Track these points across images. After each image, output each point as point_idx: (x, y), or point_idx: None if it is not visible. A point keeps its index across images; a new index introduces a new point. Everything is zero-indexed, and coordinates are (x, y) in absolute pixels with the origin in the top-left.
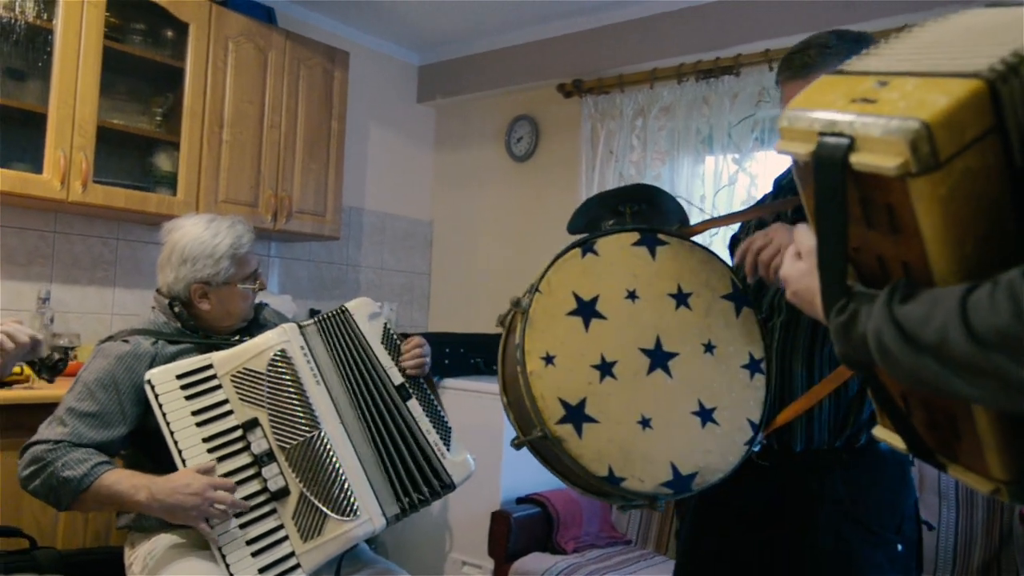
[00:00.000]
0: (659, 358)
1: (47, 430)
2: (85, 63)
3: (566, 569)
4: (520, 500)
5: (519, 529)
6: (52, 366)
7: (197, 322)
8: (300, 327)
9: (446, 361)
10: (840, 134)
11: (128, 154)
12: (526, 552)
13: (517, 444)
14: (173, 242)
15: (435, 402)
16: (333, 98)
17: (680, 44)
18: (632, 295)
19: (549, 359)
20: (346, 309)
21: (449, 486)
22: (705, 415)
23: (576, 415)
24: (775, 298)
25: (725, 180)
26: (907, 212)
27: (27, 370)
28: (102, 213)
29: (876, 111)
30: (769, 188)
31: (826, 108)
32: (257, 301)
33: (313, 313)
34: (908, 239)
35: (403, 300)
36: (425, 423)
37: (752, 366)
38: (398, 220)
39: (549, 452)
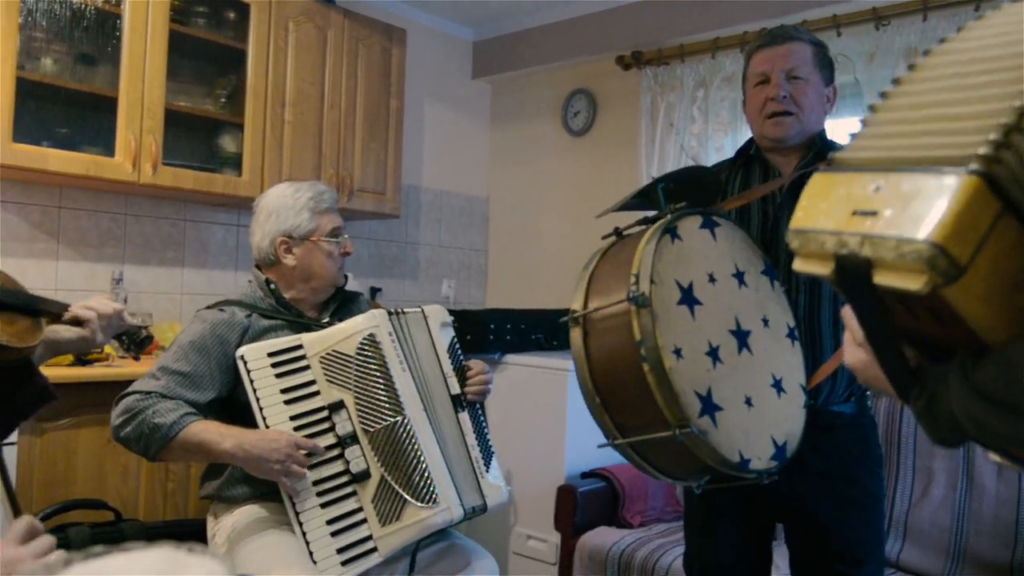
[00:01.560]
0: (742, 337)
1: (140, 383)
2: (152, 46)
3: (633, 543)
4: (585, 475)
5: (585, 503)
6: (139, 342)
7: (287, 293)
8: (389, 315)
9: (507, 337)
10: (855, 255)
11: (194, 136)
12: (593, 526)
13: (621, 444)
14: (260, 205)
15: (484, 423)
16: (391, 76)
17: (743, 11)
18: (711, 278)
19: (678, 352)
20: (423, 310)
21: (481, 507)
22: (778, 385)
23: (708, 405)
24: (792, 274)
25: None
26: (948, 311)
27: (108, 348)
28: (170, 195)
29: (882, 230)
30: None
31: (830, 224)
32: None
33: (374, 292)
34: (956, 328)
35: (460, 277)
36: (471, 438)
37: (791, 334)
38: (455, 197)
39: (668, 449)
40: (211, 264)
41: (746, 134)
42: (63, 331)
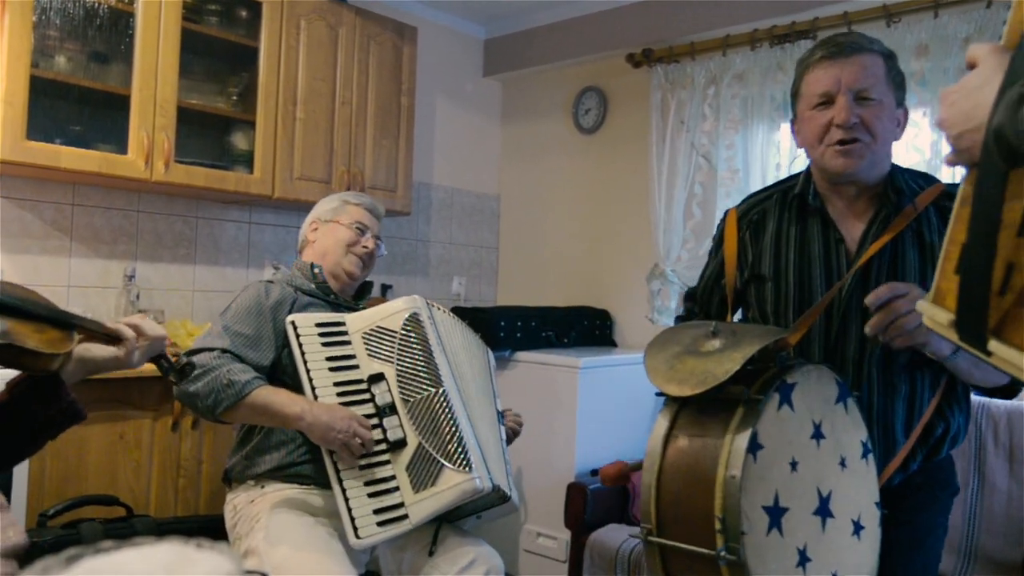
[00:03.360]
0: (824, 509)
1: (208, 340)
2: (165, 44)
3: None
4: (595, 472)
5: (595, 501)
6: (180, 369)
7: (329, 280)
8: (427, 302)
9: (518, 335)
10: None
11: (206, 133)
12: (602, 524)
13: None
14: None
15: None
16: (402, 74)
17: (754, 9)
18: (794, 466)
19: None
20: (488, 350)
21: (506, 498)
22: (857, 527)
23: None
24: (862, 363)
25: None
26: None
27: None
28: (182, 192)
29: None
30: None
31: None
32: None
33: (385, 289)
34: None
35: (471, 274)
36: (505, 446)
37: (865, 451)
38: (466, 195)
39: None
40: (223, 261)
41: (757, 132)
42: (96, 349)
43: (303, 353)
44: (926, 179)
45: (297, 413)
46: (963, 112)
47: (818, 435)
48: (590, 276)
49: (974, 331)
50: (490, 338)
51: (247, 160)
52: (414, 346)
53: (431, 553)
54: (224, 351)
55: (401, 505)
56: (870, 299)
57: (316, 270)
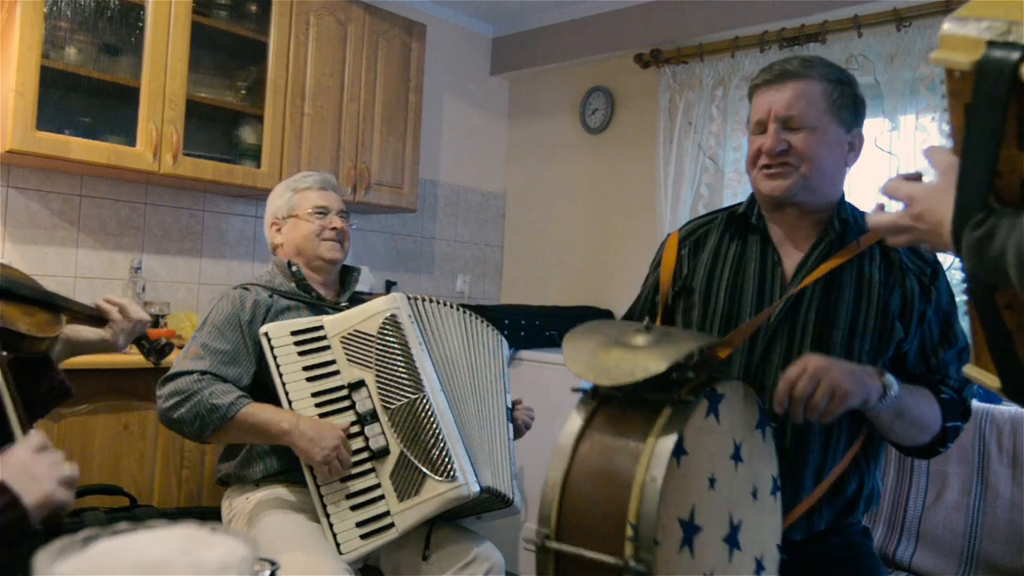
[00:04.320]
0: (733, 538)
1: (189, 362)
2: (175, 37)
3: None
4: None
5: None
6: (160, 350)
7: (307, 278)
8: (408, 298)
9: (522, 333)
10: (1013, 44)
11: (214, 127)
12: None
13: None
14: None
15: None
16: (410, 71)
17: (763, 11)
18: (712, 483)
19: None
20: (497, 332)
21: (510, 501)
22: (759, 568)
23: None
24: (787, 361)
25: None
26: None
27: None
28: (190, 185)
29: None
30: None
31: (1002, 14)
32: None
33: (389, 285)
34: None
35: (476, 273)
36: (513, 446)
37: (775, 487)
38: (472, 193)
39: None
40: (229, 255)
41: None
42: (83, 331)
43: (278, 366)
44: None
45: (284, 430)
46: (933, 223)
47: (737, 457)
48: (594, 276)
49: (1019, 395)
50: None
51: (255, 154)
52: (393, 350)
53: (425, 558)
54: (204, 373)
55: (387, 514)
56: (776, 406)
57: (294, 268)
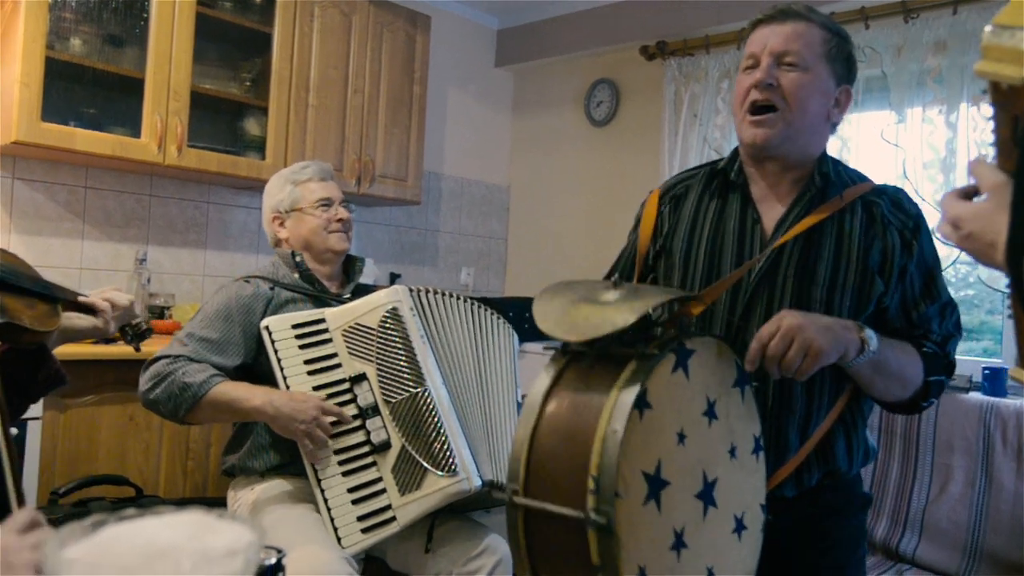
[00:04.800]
0: (707, 494)
1: (167, 348)
2: (179, 29)
3: None
4: None
5: None
6: (140, 334)
7: (312, 270)
8: (410, 291)
9: (525, 326)
10: None
11: (219, 119)
12: None
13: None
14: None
15: None
16: (415, 63)
17: (770, 3)
18: (681, 438)
19: (643, 573)
20: (506, 323)
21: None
22: (739, 526)
23: None
24: (768, 318)
25: None
26: None
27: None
28: (195, 177)
29: None
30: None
31: None
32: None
33: (394, 278)
34: None
35: (480, 265)
36: None
37: (756, 448)
38: (476, 185)
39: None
40: (233, 247)
41: None
42: (77, 319)
43: (279, 359)
44: (859, 176)
45: (258, 406)
46: (984, 245)
47: (711, 414)
48: (598, 268)
49: None
50: None
51: (259, 146)
52: (395, 343)
53: (427, 550)
54: (178, 357)
55: (388, 507)
56: (748, 364)
57: (298, 259)
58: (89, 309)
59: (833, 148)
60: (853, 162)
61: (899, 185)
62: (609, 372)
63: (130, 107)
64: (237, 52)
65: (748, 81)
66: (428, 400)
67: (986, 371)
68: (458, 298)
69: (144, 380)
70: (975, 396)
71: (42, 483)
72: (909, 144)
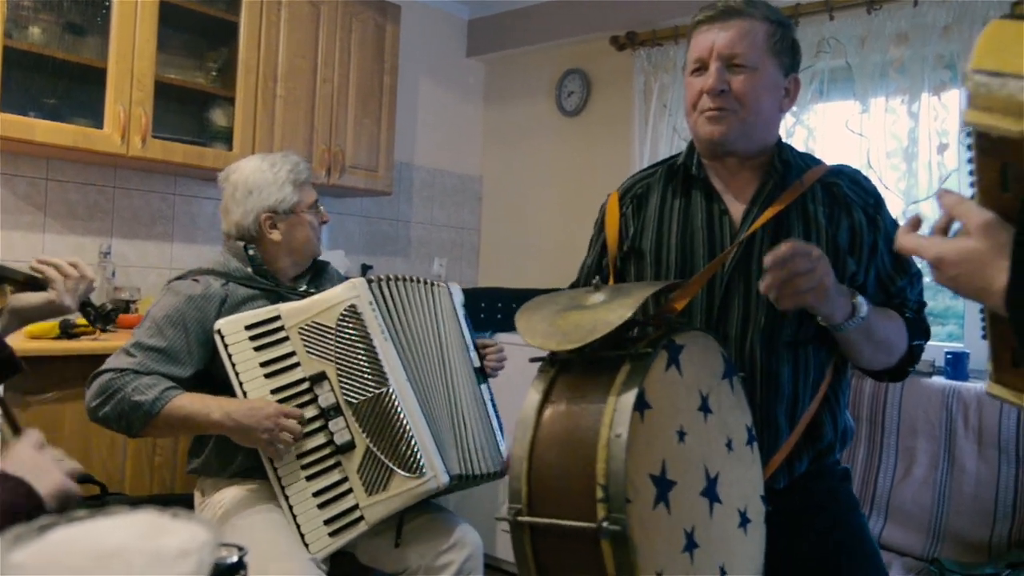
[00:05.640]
0: (711, 491)
1: (113, 360)
2: (142, 17)
3: None
4: None
5: None
6: (105, 315)
7: (268, 266)
8: (370, 283)
9: (499, 316)
10: None
11: (184, 109)
12: None
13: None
14: (234, 181)
15: (494, 400)
16: (385, 52)
17: None
18: (681, 436)
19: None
20: (445, 285)
21: (500, 473)
22: (744, 519)
23: None
24: (747, 307)
25: (782, 133)
26: None
27: (81, 320)
28: (160, 168)
29: None
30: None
31: None
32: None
33: (365, 269)
34: None
35: (452, 256)
36: (491, 409)
37: (750, 439)
38: (448, 175)
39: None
40: (200, 239)
41: None
42: (29, 297)
43: (233, 364)
44: (813, 159)
45: (216, 420)
46: (973, 289)
47: (705, 408)
48: (571, 258)
49: None
50: (472, 319)
51: (226, 137)
52: (354, 342)
53: (397, 545)
54: (125, 371)
55: (355, 508)
56: (768, 259)
57: (251, 252)
58: (42, 284)
59: (799, 137)
60: (819, 151)
61: (865, 172)
62: (603, 377)
63: (92, 97)
64: (203, 41)
65: (699, 85)
66: (392, 400)
67: (948, 355)
68: (416, 281)
69: (90, 395)
70: (938, 380)
71: None
72: (873, 133)
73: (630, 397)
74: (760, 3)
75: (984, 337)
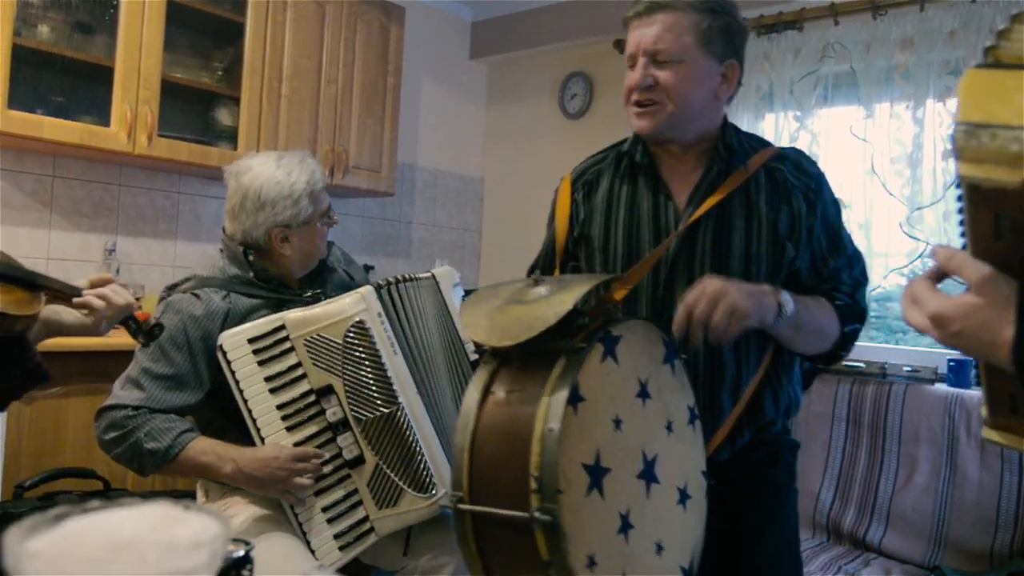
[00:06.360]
0: (648, 473)
1: (123, 392)
2: (150, 17)
3: None
4: None
5: None
6: (148, 331)
7: (271, 271)
8: (379, 290)
9: None
10: None
11: (190, 108)
12: None
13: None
14: (244, 187)
15: None
16: (389, 54)
17: None
18: (617, 424)
19: (592, 561)
20: (433, 275)
21: None
22: (683, 495)
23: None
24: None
25: (786, 139)
26: None
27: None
28: (165, 166)
29: None
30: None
31: (1017, 120)
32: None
33: (367, 270)
34: None
35: (454, 257)
36: None
37: (692, 418)
38: (450, 177)
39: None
40: (204, 238)
41: (741, 121)
42: (64, 313)
43: (237, 381)
44: (760, 142)
45: (229, 474)
46: (980, 344)
47: (644, 394)
48: None
49: None
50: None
51: (231, 136)
52: (361, 360)
53: (404, 554)
54: (138, 408)
55: (365, 519)
56: (675, 330)
57: (251, 257)
58: (81, 305)
59: (803, 142)
60: (823, 156)
61: (869, 178)
62: (540, 370)
63: (99, 95)
64: (209, 41)
65: (629, 80)
66: (403, 419)
67: (951, 363)
68: (420, 278)
69: (101, 429)
70: (940, 387)
71: (7, 477)
72: (877, 139)
73: (563, 392)
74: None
75: (977, 382)
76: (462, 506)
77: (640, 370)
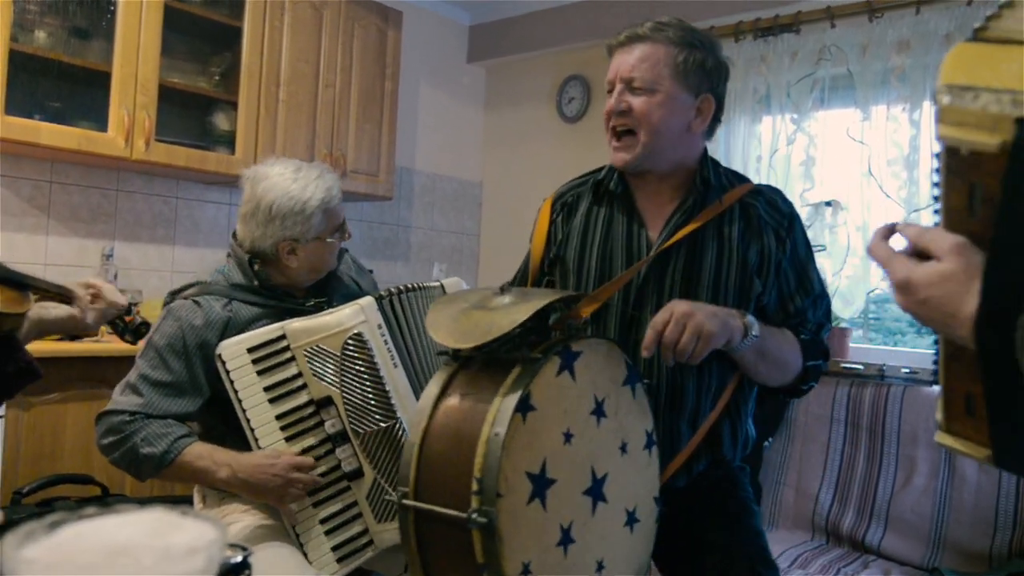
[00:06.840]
0: (597, 491)
1: (122, 398)
2: (147, 22)
3: None
4: None
5: None
6: (135, 330)
7: (276, 279)
8: (380, 301)
9: None
10: None
11: (188, 113)
12: None
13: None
14: (259, 196)
15: None
16: (386, 58)
17: (738, 1)
18: (568, 437)
19: (527, 569)
20: (442, 285)
21: None
22: (631, 518)
23: None
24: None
25: (783, 141)
26: None
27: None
28: (162, 171)
29: None
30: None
31: (1001, 83)
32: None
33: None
34: None
35: (452, 261)
36: None
37: (649, 443)
38: (448, 181)
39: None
40: (202, 243)
41: (738, 125)
42: (52, 308)
43: (236, 391)
44: (738, 177)
45: (224, 479)
46: (941, 315)
47: (599, 412)
48: None
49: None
50: None
51: (229, 141)
52: (360, 372)
53: (405, 570)
54: (135, 414)
55: (365, 532)
56: (644, 351)
57: (256, 267)
58: (68, 298)
59: (800, 145)
60: (820, 159)
61: (866, 180)
62: (496, 377)
63: (96, 101)
64: (206, 46)
65: (606, 106)
66: (401, 433)
67: None
68: (424, 288)
69: (99, 432)
70: (938, 389)
71: (5, 482)
72: (874, 141)
73: (513, 399)
74: (674, 26)
75: (936, 382)
76: (406, 501)
77: (598, 388)
